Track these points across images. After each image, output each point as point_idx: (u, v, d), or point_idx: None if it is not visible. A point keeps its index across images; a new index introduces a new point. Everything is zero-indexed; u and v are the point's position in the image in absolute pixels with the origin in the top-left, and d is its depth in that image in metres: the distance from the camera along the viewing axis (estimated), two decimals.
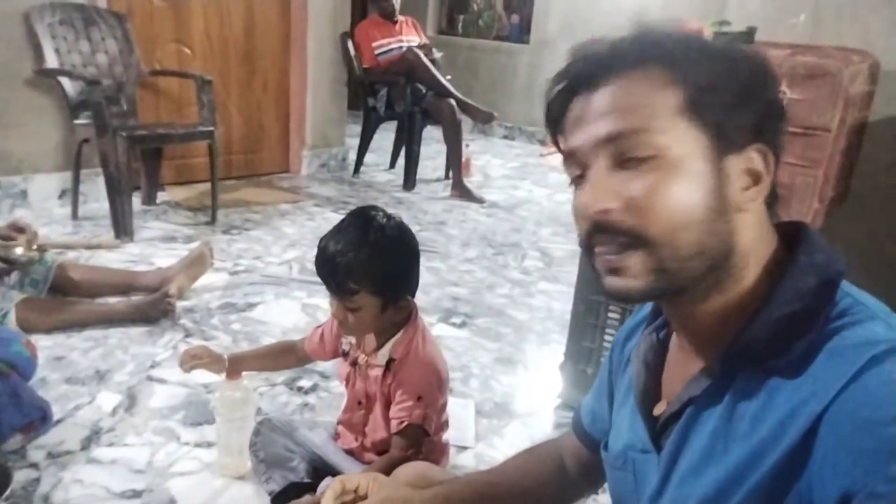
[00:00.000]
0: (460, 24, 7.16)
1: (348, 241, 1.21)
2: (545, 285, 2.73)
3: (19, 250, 2.03)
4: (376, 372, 1.32)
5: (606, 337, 1.72)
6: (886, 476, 0.48)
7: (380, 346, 1.32)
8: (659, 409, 0.71)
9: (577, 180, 0.64)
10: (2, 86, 2.90)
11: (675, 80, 0.59)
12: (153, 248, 2.77)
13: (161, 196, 3.45)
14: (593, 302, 1.72)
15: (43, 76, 2.92)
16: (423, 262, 2.45)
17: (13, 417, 1.41)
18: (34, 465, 1.43)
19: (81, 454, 1.49)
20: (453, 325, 2.34)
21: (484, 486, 0.90)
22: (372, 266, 1.19)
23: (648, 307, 0.80)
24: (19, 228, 2.03)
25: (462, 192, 3.99)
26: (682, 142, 0.58)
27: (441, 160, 4.49)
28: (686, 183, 0.57)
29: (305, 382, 1.87)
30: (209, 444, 1.55)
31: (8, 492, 1.29)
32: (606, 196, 0.59)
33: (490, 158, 5.26)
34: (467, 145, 4.12)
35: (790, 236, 0.64)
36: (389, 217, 1.27)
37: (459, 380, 1.97)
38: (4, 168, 2.98)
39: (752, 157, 0.60)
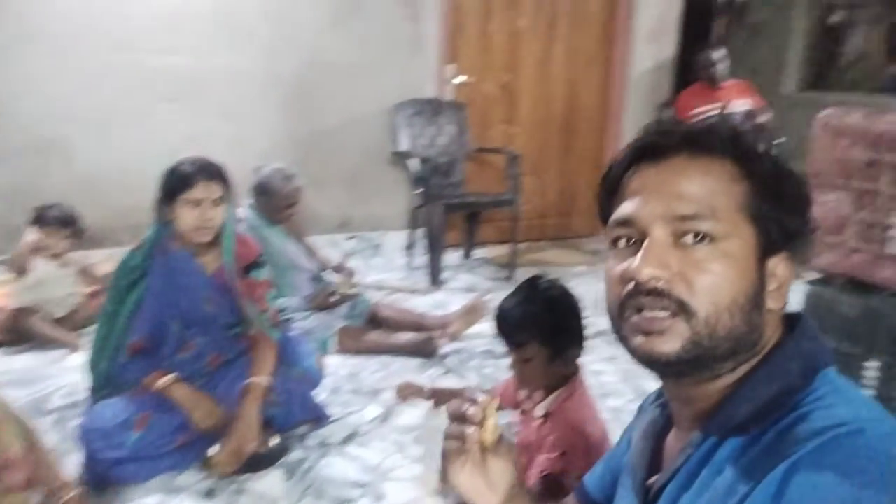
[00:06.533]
0: (828, 79, 6.43)
1: (518, 301, 1.45)
2: None
3: (347, 288, 2.74)
4: (537, 422, 1.48)
5: None
6: None
7: (542, 399, 1.48)
8: (651, 481, 0.76)
9: (624, 243, 0.68)
10: (370, 164, 3.85)
11: (743, 177, 0.65)
12: (454, 297, 3.31)
13: (479, 253, 4.04)
14: None
15: (396, 156, 3.79)
16: None
17: (299, 412, 1.98)
18: (306, 448, 1.97)
19: (338, 447, 1.98)
20: None
21: None
22: (537, 319, 1.41)
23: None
24: (342, 268, 2.75)
25: None
26: (739, 234, 0.64)
27: None
28: (737, 272, 0.63)
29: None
30: (422, 461, 1.89)
31: (280, 461, 1.83)
32: (663, 265, 0.63)
33: None
34: None
35: (790, 325, 0.68)
36: (552, 281, 1.48)
37: None
38: (367, 225, 3.92)
39: (782, 263, 0.67)
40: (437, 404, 1.76)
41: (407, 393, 1.79)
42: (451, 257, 3.76)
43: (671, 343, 0.63)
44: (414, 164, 3.60)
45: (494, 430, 0.76)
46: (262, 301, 1.97)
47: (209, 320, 1.95)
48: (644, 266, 0.63)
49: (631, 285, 0.65)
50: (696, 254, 0.63)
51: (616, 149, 4.30)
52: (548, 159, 4.33)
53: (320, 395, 2.16)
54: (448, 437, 0.78)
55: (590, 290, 3.46)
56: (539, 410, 1.48)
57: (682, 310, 0.62)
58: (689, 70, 4.70)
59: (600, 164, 4.45)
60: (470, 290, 3.44)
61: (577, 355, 1.48)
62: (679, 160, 0.66)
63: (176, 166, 1.76)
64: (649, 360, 0.66)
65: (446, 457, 0.78)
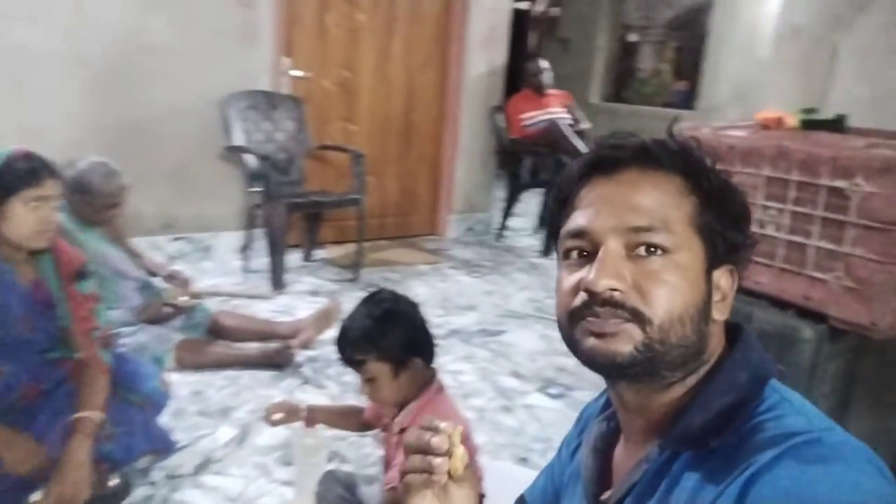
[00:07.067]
0: (627, 92, 7.17)
1: (353, 318, 1.40)
2: None
3: (183, 297, 2.46)
4: (395, 439, 1.43)
5: None
6: None
7: (397, 414, 1.43)
8: (606, 496, 0.74)
9: (576, 255, 0.68)
10: (199, 159, 3.52)
11: (691, 191, 0.67)
12: (299, 301, 3.14)
13: (320, 253, 3.89)
14: None
15: (230, 152, 3.51)
16: (538, 330, 2.54)
17: (142, 443, 1.73)
18: (153, 483, 1.73)
19: (191, 479, 1.77)
20: (549, 395, 2.36)
21: None
22: (370, 335, 1.35)
23: (606, 395, 0.84)
24: (176, 276, 2.47)
25: None
26: (689, 246, 0.65)
27: None
28: (689, 282, 0.64)
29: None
30: (292, 484, 1.75)
31: (125, 502, 1.58)
32: (619, 276, 0.63)
33: None
34: None
35: (731, 334, 0.70)
36: (389, 292, 1.43)
37: (538, 451, 1.99)
38: (196, 226, 3.59)
39: (725, 275, 0.68)
40: (310, 423, 1.63)
41: (279, 414, 1.62)
42: (291, 259, 3.57)
43: (624, 344, 0.63)
44: (250, 160, 3.36)
45: (464, 458, 0.71)
46: (90, 318, 1.69)
47: (20, 344, 1.63)
48: (600, 277, 0.63)
49: (584, 296, 0.64)
50: (651, 265, 0.64)
51: (453, 151, 4.43)
52: (387, 158, 4.29)
53: (160, 419, 1.91)
54: (412, 470, 0.71)
55: (435, 289, 3.52)
56: (395, 427, 1.42)
57: (636, 318, 0.63)
58: (512, 77, 4.96)
59: (438, 165, 4.51)
60: (315, 292, 3.29)
61: (426, 364, 1.42)
62: (631, 174, 0.67)
63: (8, 160, 1.46)
64: (602, 361, 0.65)
65: (408, 490, 0.71)
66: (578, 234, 0.67)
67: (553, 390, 2.40)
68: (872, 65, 1.65)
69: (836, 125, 1.56)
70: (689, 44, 6.55)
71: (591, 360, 0.66)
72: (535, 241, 4.47)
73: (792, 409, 0.61)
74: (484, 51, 4.40)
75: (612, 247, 0.64)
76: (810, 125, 1.57)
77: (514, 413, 2.24)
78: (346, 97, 4.07)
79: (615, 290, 0.62)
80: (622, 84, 7.28)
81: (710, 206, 0.66)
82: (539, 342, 2.78)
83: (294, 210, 3.32)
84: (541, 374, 2.50)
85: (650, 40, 7.16)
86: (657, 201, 0.65)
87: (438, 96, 4.41)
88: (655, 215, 0.64)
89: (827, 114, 1.60)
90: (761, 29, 5.64)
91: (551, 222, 0.75)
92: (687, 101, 6.35)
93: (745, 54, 5.72)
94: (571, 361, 2.77)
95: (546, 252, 4.19)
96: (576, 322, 0.66)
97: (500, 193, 4.74)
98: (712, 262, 0.66)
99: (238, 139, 3.44)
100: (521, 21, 7.25)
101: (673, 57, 6.84)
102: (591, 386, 2.43)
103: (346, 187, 3.74)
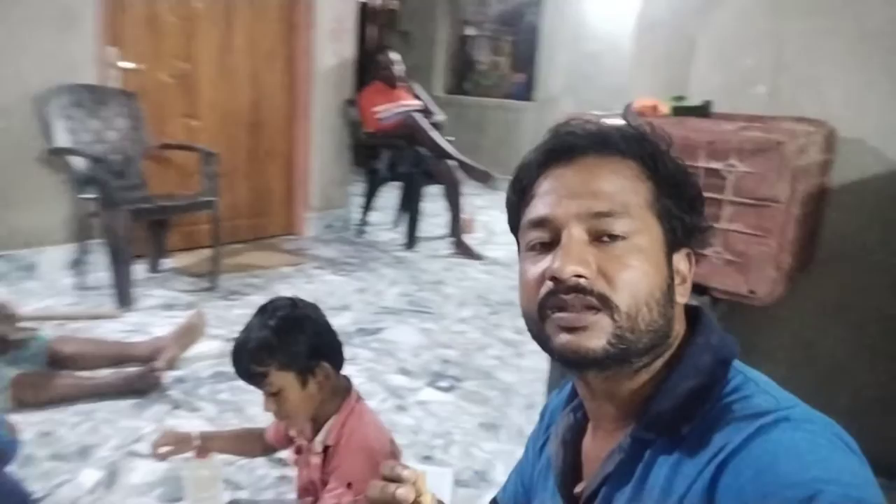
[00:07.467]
0: (468, 84, 7.37)
1: (248, 331, 1.29)
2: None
3: (11, 328, 2.11)
4: (316, 459, 1.33)
5: None
6: None
7: (316, 433, 1.33)
8: (580, 489, 0.73)
9: (538, 246, 0.67)
10: (14, 165, 3.05)
11: (648, 177, 0.67)
12: (153, 317, 2.84)
13: (168, 263, 3.55)
14: None
15: (53, 155, 3.07)
16: (416, 324, 2.44)
17: None
18: None
19: None
20: (440, 388, 2.35)
21: None
22: (269, 343, 1.24)
23: (569, 387, 0.83)
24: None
25: (462, 249, 4.04)
26: (649, 230, 0.65)
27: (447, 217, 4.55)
28: (652, 266, 0.64)
29: (286, 453, 1.88)
30: None
31: None
32: (584, 262, 0.62)
33: (498, 214, 5.31)
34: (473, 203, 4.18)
35: (690, 318, 0.70)
36: (288, 300, 1.33)
37: (440, 447, 1.97)
38: (15, 242, 3.11)
39: (684, 259, 0.69)
40: (203, 453, 1.46)
41: (167, 447, 1.43)
42: (136, 271, 3.21)
43: (597, 339, 0.62)
44: (79, 163, 2.96)
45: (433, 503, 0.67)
46: None
47: None
48: (566, 263, 0.62)
49: (550, 285, 0.63)
50: (614, 250, 0.63)
51: (306, 146, 4.25)
52: (235, 156, 4.01)
53: (9, 470, 1.62)
54: None
55: (303, 291, 3.36)
56: (317, 446, 1.32)
57: (604, 304, 0.62)
58: (357, 71, 4.86)
59: (291, 161, 4.31)
60: (169, 305, 2.99)
61: (336, 369, 1.33)
62: (589, 160, 0.67)
63: None
64: (576, 357, 0.63)
65: None
66: (540, 222, 0.66)
67: (443, 383, 2.38)
68: (726, 54, 1.82)
69: (703, 111, 1.70)
70: (523, 38, 6.86)
71: (563, 358, 0.65)
72: (397, 235, 4.44)
73: (757, 388, 0.62)
74: (332, 43, 4.27)
75: (576, 233, 0.64)
76: (680, 111, 1.70)
77: (409, 411, 2.19)
78: (186, 91, 3.74)
79: (581, 276, 0.62)
80: (463, 76, 7.46)
81: (667, 190, 0.67)
82: (420, 336, 2.75)
83: (139, 217, 2.99)
84: (428, 369, 2.48)
85: (485, 34, 7.41)
86: (616, 186, 0.65)
87: (287, 89, 4.21)
88: (616, 200, 0.64)
89: (693, 101, 1.74)
90: (587, 26, 6.06)
91: (511, 217, 0.74)
92: (526, 92, 6.66)
93: (575, 49, 6.12)
94: (455, 353, 2.79)
95: (409, 245, 4.18)
96: (546, 317, 0.64)
97: (357, 188, 4.65)
98: (671, 246, 0.67)
99: (62, 140, 3.02)
100: (361, 14, 7.16)
101: (510, 50, 7.13)
102: (478, 375, 2.45)
103: (192, 188, 3.42)
